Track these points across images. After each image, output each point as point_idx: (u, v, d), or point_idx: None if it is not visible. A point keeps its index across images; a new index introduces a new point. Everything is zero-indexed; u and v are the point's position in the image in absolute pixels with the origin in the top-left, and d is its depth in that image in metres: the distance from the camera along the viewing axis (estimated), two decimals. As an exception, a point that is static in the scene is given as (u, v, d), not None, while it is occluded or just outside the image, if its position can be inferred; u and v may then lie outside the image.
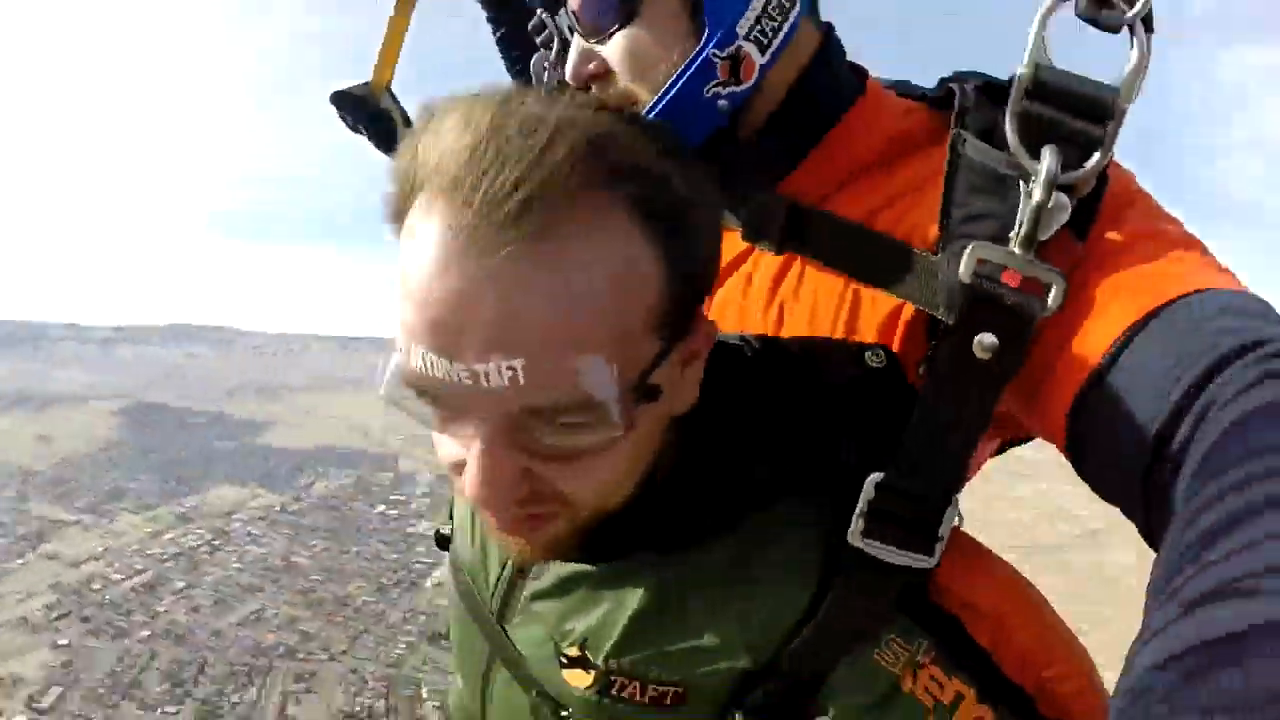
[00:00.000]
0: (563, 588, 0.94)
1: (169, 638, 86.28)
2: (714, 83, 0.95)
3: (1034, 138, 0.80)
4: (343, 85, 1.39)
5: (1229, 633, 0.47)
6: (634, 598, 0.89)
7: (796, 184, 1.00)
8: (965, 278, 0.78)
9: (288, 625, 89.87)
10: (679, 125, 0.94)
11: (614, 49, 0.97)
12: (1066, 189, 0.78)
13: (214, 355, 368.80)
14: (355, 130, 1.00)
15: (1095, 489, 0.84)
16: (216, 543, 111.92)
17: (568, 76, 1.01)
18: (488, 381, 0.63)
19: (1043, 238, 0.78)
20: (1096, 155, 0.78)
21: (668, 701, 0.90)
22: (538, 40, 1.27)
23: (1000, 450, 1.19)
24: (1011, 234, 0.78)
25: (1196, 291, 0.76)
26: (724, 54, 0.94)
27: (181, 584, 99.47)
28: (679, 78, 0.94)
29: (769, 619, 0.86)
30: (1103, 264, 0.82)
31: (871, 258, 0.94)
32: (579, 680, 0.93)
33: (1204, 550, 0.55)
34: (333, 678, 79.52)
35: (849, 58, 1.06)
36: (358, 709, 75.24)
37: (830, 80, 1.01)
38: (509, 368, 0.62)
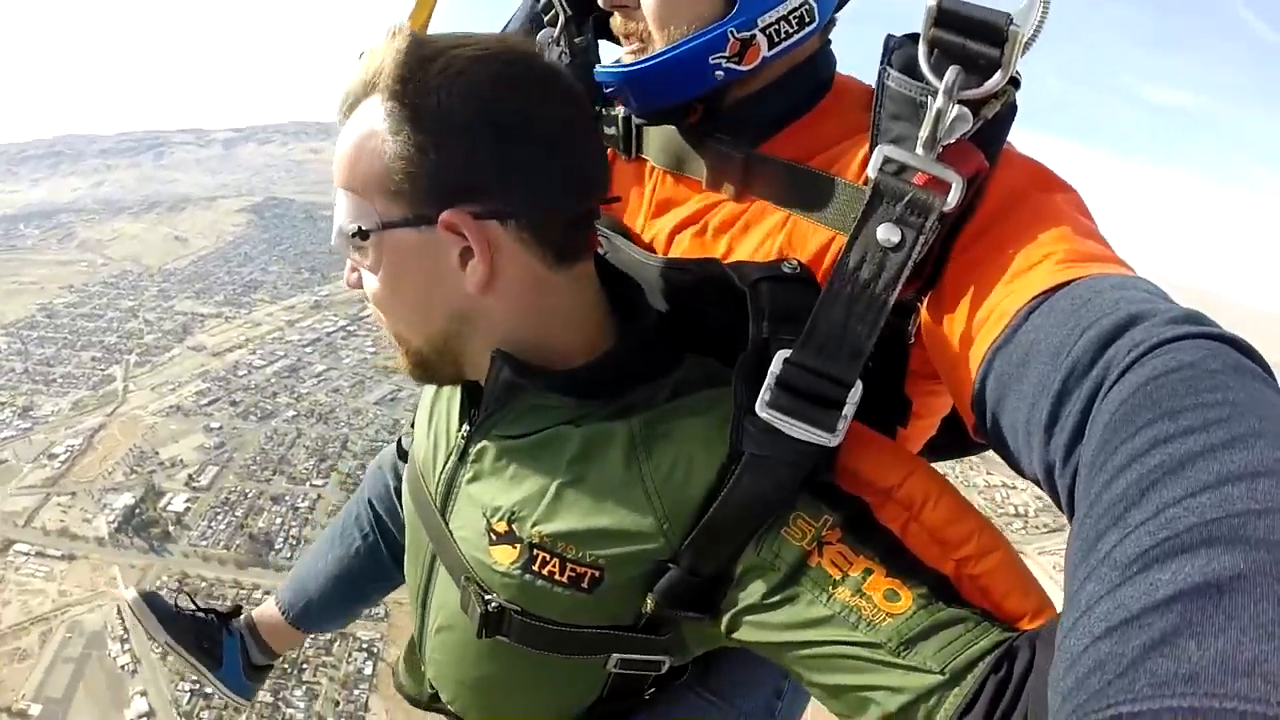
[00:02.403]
0: (494, 468, 1.12)
1: (313, 417, 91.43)
2: (719, 54, 1.15)
3: (942, 61, 0.94)
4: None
5: (1171, 595, 0.50)
6: (557, 468, 1.06)
7: (773, 149, 1.22)
8: (872, 173, 0.95)
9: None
10: (673, 77, 1.19)
11: None
12: (971, 106, 0.93)
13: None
14: None
15: (1007, 461, 0.93)
16: (351, 328, 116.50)
17: None
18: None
19: (944, 141, 0.93)
20: (997, 74, 0.92)
21: (585, 584, 1.04)
22: (545, 19, 1.52)
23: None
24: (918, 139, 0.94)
25: (1097, 275, 0.87)
26: (739, 35, 1.14)
27: (321, 368, 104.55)
28: (694, 39, 1.15)
29: (680, 490, 0.99)
30: (1013, 240, 0.96)
31: (806, 191, 1.16)
32: (505, 556, 1.08)
33: (1128, 510, 0.59)
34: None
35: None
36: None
37: (814, 79, 1.25)
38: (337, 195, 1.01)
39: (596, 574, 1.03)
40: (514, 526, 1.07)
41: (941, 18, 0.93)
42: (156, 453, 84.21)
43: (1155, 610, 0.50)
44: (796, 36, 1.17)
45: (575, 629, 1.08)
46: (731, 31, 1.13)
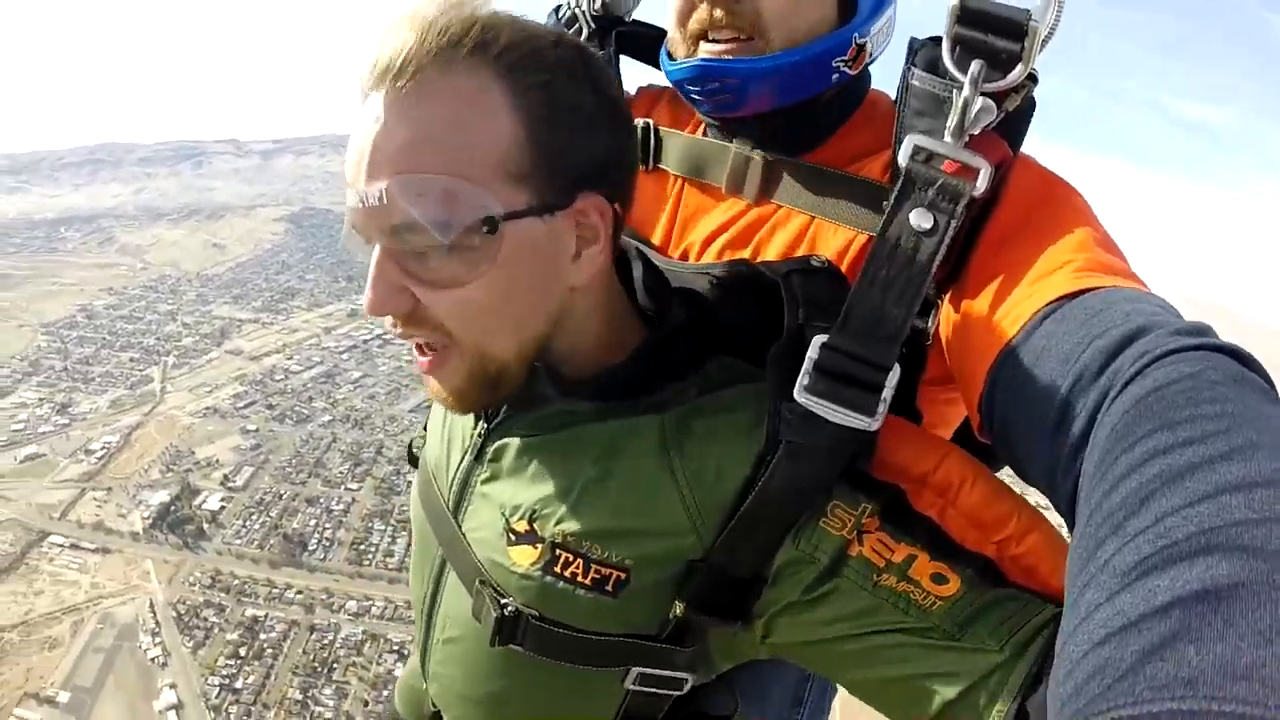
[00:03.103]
0: (514, 466, 1.08)
1: (348, 422, 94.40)
2: (841, 58, 1.24)
3: (965, 57, 0.99)
4: None
5: (1170, 601, 0.52)
6: (584, 466, 1.02)
7: (816, 157, 1.29)
8: (903, 161, 0.98)
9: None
10: (804, 74, 1.24)
11: None
12: (994, 99, 0.98)
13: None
14: None
15: (1010, 463, 0.97)
16: (386, 336, 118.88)
17: None
18: (367, 202, 0.87)
19: (970, 130, 0.98)
20: (1018, 68, 0.97)
21: (609, 586, 1.00)
22: (571, 30, 1.57)
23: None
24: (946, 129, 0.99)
25: (1111, 288, 0.91)
26: (859, 40, 1.24)
27: (357, 374, 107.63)
28: (830, 39, 1.23)
29: (715, 483, 0.97)
30: (1034, 242, 1.02)
31: (827, 193, 1.24)
32: (525, 557, 1.04)
33: (1127, 520, 0.61)
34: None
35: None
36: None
37: (860, 93, 1.34)
38: (378, 189, 0.85)
39: (622, 575, 1.00)
40: (535, 525, 1.04)
41: (964, 15, 0.98)
42: (193, 452, 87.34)
43: (1154, 616, 0.52)
44: (883, 46, 1.28)
45: (595, 636, 1.04)
46: (855, 36, 1.23)
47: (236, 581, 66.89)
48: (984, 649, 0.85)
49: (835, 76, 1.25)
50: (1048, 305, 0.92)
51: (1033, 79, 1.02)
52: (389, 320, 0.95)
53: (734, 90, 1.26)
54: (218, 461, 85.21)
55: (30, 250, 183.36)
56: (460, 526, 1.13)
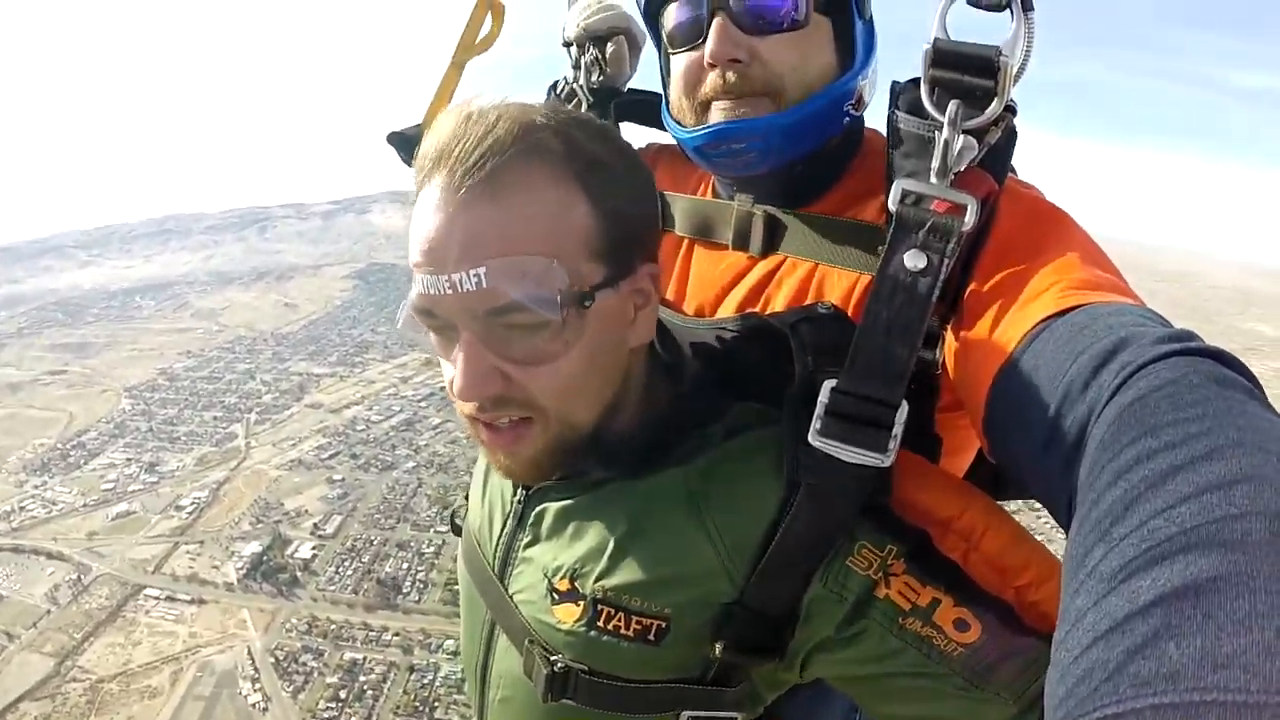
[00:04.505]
0: (553, 529, 1.20)
1: (433, 467, 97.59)
2: (850, 103, 1.38)
3: (943, 97, 1.09)
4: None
5: (1152, 600, 0.56)
6: (617, 523, 1.13)
7: (822, 206, 1.42)
8: (893, 206, 1.08)
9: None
10: (820, 121, 1.36)
11: (777, 44, 1.32)
12: (975, 135, 1.08)
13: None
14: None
15: (1020, 487, 1.05)
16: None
17: (708, 54, 1.33)
18: (461, 287, 0.95)
19: (955, 168, 1.07)
20: (994, 103, 1.07)
21: (651, 636, 1.09)
22: (570, 104, 1.78)
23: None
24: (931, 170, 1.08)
25: (1097, 303, 0.99)
26: (862, 83, 1.38)
27: (437, 420, 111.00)
28: (838, 85, 1.35)
29: (742, 527, 1.07)
30: (1023, 268, 1.11)
31: (828, 239, 1.36)
32: (568, 615, 1.13)
33: (1113, 526, 0.66)
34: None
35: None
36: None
37: (856, 141, 1.47)
38: (474, 273, 0.94)
39: (663, 624, 1.08)
40: (576, 584, 1.13)
41: (937, 57, 1.09)
42: (281, 503, 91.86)
43: (1138, 616, 0.55)
44: (874, 92, 1.41)
45: (643, 685, 1.12)
46: (859, 81, 1.36)
47: (333, 626, 69.89)
48: (998, 700, 0.95)
49: (846, 120, 1.38)
50: (1037, 326, 1.00)
51: (1011, 110, 1.11)
52: (471, 406, 1.05)
53: (758, 148, 1.36)
54: (306, 511, 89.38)
55: (109, 319, 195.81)
56: (506, 590, 1.24)
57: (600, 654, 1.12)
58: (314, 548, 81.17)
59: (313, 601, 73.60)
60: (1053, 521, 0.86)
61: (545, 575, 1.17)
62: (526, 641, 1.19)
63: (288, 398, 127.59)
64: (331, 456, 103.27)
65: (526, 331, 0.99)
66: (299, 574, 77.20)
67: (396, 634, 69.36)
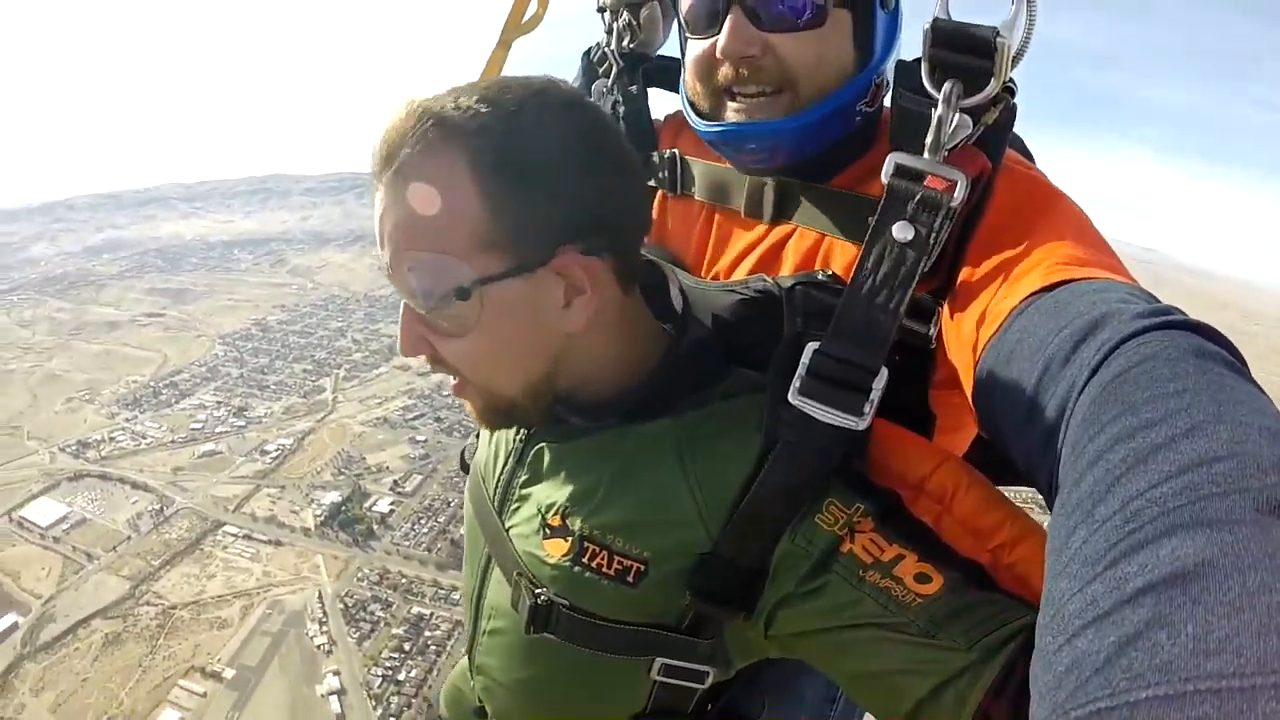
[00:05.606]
0: (550, 469, 1.27)
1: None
2: (863, 100, 1.43)
3: (942, 76, 1.15)
4: None
5: (1141, 588, 0.57)
6: (609, 465, 1.20)
7: (837, 181, 1.49)
8: (885, 179, 1.15)
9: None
10: (826, 127, 1.42)
11: (795, 42, 1.36)
12: (973, 114, 1.14)
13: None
14: None
15: (1008, 463, 1.06)
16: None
17: (721, 49, 1.39)
18: (386, 271, 1.08)
19: (947, 145, 1.14)
20: (991, 83, 1.12)
21: (630, 577, 1.16)
22: (599, 70, 1.88)
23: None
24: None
25: (1082, 280, 1.03)
26: (877, 79, 1.42)
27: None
28: (853, 85, 1.40)
29: (720, 479, 1.12)
30: (1015, 245, 1.16)
31: (833, 211, 1.45)
32: (557, 550, 1.21)
33: (1096, 506, 0.68)
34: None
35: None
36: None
37: (876, 120, 1.51)
38: (386, 261, 1.07)
39: (641, 566, 1.14)
40: (567, 520, 1.20)
41: (937, 37, 1.13)
42: (364, 458, 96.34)
43: (1126, 605, 0.57)
44: (891, 84, 1.42)
45: (619, 625, 1.18)
46: (874, 78, 1.41)
47: (404, 580, 73.13)
48: (954, 648, 0.95)
49: (858, 118, 1.44)
50: (1023, 301, 1.05)
51: (1010, 91, 1.16)
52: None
53: (767, 150, 1.45)
54: (387, 468, 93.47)
55: (207, 269, 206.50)
56: (504, 523, 1.32)
57: (582, 590, 1.18)
58: (392, 503, 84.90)
59: (386, 555, 77.05)
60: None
61: (540, 511, 1.24)
62: (515, 574, 1.27)
63: (377, 357, 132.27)
64: (416, 418, 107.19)
65: (433, 312, 1.09)
66: (375, 527, 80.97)
67: (466, 594, 71.02)
